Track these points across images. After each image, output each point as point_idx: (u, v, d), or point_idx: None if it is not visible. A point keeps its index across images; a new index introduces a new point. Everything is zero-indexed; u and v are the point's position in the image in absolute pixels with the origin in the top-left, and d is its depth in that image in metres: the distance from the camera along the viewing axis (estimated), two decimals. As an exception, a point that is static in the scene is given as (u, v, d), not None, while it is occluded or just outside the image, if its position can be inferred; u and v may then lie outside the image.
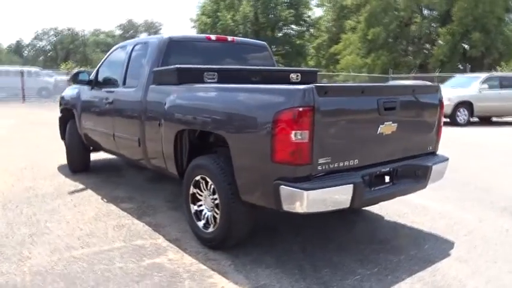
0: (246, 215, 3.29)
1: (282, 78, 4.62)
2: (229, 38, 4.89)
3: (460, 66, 30.02)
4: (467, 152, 8.62)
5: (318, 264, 3.27)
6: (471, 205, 4.86)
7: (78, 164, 6.12)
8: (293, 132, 2.73)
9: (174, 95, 3.82)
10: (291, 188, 2.77)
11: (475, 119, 14.15)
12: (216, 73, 4.10)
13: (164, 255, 3.42)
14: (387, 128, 3.21)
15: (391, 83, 18.98)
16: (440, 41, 31.24)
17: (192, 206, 3.68)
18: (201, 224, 3.60)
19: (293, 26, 47.10)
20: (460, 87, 14.07)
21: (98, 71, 5.53)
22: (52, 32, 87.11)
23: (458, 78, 15.37)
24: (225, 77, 4.16)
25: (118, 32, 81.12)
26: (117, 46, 5.44)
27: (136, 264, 3.23)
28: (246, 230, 3.41)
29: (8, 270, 3.10)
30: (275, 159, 2.83)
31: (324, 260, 3.35)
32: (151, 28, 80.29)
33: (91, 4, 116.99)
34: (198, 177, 3.56)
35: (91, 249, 3.51)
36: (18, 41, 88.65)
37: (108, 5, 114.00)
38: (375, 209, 4.61)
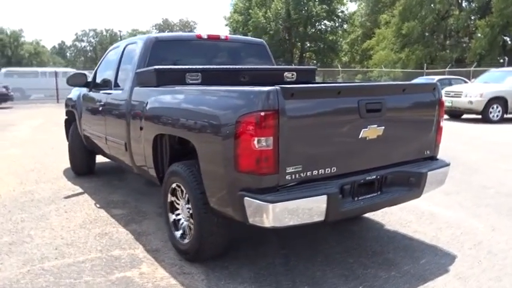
0: (219, 226, 3.06)
1: (275, 77, 4.36)
2: (222, 36, 4.66)
3: (500, 60, 28.49)
4: (494, 151, 8.02)
5: (298, 280, 3.00)
6: (486, 213, 4.42)
7: (80, 167, 6.08)
8: (256, 138, 2.48)
9: (151, 98, 3.64)
10: (255, 200, 2.52)
11: (510, 116, 13.28)
12: (199, 74, 3.89)
13: (137, 268, 3.24)
14: (371, 132, 2.89)
15: (419, 79, 18.22)
16: (478, 34, 29.77)
17: (170, 214, 3.50)
18: (178, 234, 3.41)
19: (326, 22, 46.30)
20: (493, 82, 13.24)
21: (96, 72, 5.45)
22: (91, 33, 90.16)
23: (492, 72, 14.46)
24: (210, 77, 3.95)
25: (154, 32, 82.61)
26: (112, 46, 5.34)
27: (104, 278, 3.07)
28: (221, 243, 3.18)
29: (-27, 282, 3.01)
30: (239, 168, 2.59)
31: (306, 275, 3.07)
32: (186, 27, 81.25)
33: (128, 5, 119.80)
34: (174, 185, 3.37)
35: (64, 260, 3.38)
36: (60, 44, 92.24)
37: (145, 6, 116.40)
38: (377, 216, 4.28)
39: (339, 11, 45.95)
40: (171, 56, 4.32)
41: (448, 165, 3.41)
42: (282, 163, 2.54)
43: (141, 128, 3.78)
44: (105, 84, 4.98)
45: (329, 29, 46.69)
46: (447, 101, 13.30)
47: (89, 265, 3.28)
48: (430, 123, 3.33)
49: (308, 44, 48.22)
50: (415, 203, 4.49)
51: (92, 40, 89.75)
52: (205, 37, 4.52)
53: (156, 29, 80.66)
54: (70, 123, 6.25)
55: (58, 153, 7.81)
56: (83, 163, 6.06)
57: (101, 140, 4.94)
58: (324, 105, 2.71)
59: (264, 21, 42.57)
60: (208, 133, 2.83)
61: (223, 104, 2.78)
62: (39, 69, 30.85)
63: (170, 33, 4.92)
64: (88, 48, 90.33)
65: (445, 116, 13.77)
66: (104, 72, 5.17)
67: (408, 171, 3.14)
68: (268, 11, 42.88)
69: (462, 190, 5.23)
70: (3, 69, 29.52)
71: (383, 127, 2.94)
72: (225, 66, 4.32)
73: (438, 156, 3.55)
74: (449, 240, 3.69)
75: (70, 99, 6.31)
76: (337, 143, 2.80)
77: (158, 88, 3.67)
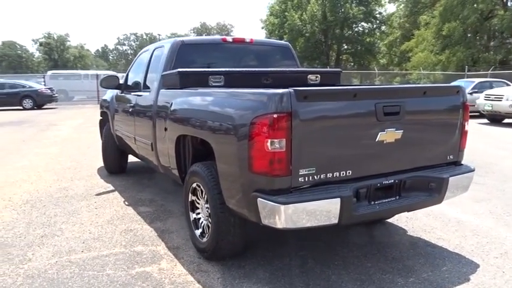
0: (236, 226, 3.11)
1: (298, 80, 4.38)
2: (247, 39, 4.72)
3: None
4: (535, 158, 7.67)
5: (312, 283, 3.01)
6: (517, 221, 4.26)
7: (112, 166, 6.30)
8: (269, 140, 2.52)
9: (175, 100, 3.75)
10: (267, 201, 2.56)
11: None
12: (222, 76, 3.96)
13: (157, 263, 3.35)
14: (389, 135, 2.86)
15: (458, 82, 17.61)
16: (525, 34, 28.49)
17: (191, 213, 3.58)
18: (198, 232, 3.49)
19: (363, 24, 45.63)
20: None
21: (127, 74, 5.65)
22: (132, 37, 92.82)
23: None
24: (233, 80, 4.01)
25: (192, 35, 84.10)
26: (143, 49, 5.51)
27: (125, 272, 3.19)
28: (238, 242, 3.23)
29: (5, 272, 3.20)
30: (253, 170, 2.64)
31: (321, 279, 3.07)
32: (223, 30, 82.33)
33: (168, 9, 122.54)
34: (194, 185, 3.45)
35: (90, 253, 3.53)
36: (103, 47, 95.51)
37: (184, 10, 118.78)
38: (400, 221, 4.21)
39: (377, 12, 45.13)
40: (197, 59, 4.42)
41: (472, 170, 3.32)
42: (295, 165, 2.57)
43: (165, 129, 3.90)
44: (135, 86, 5.15)
45: (366, 30, 45.98)
46: (487, 105, 12.85)
47: (112, 259, 3.42)
48: (454, 127, 3.25)
49: (345, 46, 47.70)
50: (442, 210, 4.41)
51: (133, 44, 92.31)
52: (231, 40, 4.60)
53: (194, 32, 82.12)
54: (104, 123, 6.49)
55: (94, 152, 8.12)
56: (115, 162, 6.28)
57: (131, 140, 5.11)
58: (339, 107, 2.71)
59: (300, 23, 42.43)
60: (224, 134, 2.90)
61: (238, 106, 2.83)
62: (82, 72, 32.24)
63: (196, 37, 5.06)
64: (129, 51, 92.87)
65: (485, 121, 13.36)
66: (135, 74, 5.35)
67: (428, 176, 3.08)
68: (304, 13, 42.70)
69: (494, 197, 5.05)
70: (49, 72, 30.95)
71: (402, 131, 2.91)
72: (247, 69, 4.38)
73: (467, 162, 3.47)
74: (473, 249, 3.59)
75: (104, 100, 6.55)
76: (353, 146, 2.79)
77: (181, 90, 3.77)
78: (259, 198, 2.59)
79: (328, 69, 5.76)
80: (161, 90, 4.20)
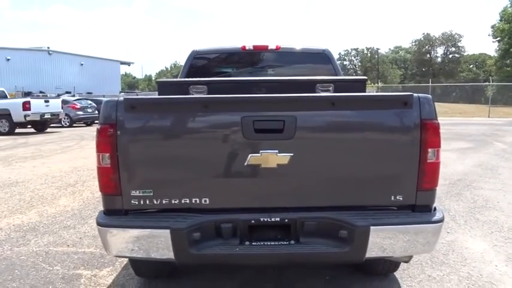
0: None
1: (306, 89, 3.71)
2: (272, 46, 4.26)
3: None
4: None
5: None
6: None
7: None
8: (99, 154, 2.27)
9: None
10: (96, 222, 2.31)
11: None
12: (204, 86, 3.71)
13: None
14: (266, 158, 2.17)
15: None
16: None
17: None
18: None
19: None
20: None
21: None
22: (353, 52, 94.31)
23: None
24: (220, 90, 3.71)
25: (414, 48, 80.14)
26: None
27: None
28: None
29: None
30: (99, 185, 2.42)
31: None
32: (449, 41, 75.38)
33: (390, 22, 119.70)
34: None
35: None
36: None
37: (407, 22, 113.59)
38: (414, 279, 3.12)
39: None
40: (211, 68, 4.29)
41: (434, 222, 2.20)
42: (125, 184, 2.23)
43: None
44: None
45: None
46: None
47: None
48: (401, 155, 2.23)
49: None
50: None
51: (353, 59, 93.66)
52: (251, 48, 4.25)
53: (415, 44, 77.89)
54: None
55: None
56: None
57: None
58: (184, 120, 2.22)
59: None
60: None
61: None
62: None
63: (214, 46, 4.70)
64: (349, 66, 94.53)
65: None
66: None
67: (338, 220, 2.19)
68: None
69: None
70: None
71: (290, 154, 2.17)
72: (238, 78, 3.96)
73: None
74: None
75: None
76: (207, 169, 2.23)
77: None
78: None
79: (351, 77, 4.53)
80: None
